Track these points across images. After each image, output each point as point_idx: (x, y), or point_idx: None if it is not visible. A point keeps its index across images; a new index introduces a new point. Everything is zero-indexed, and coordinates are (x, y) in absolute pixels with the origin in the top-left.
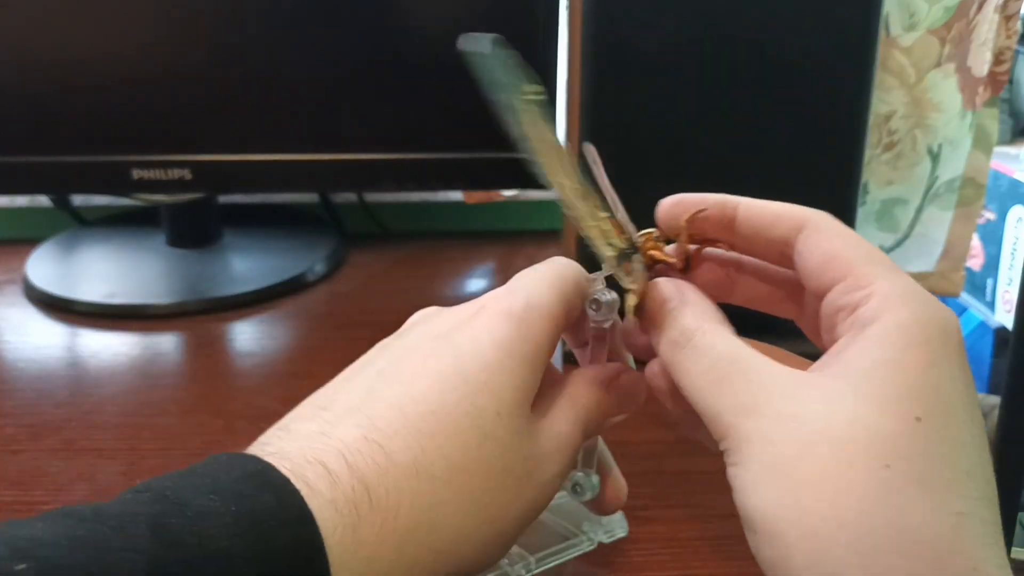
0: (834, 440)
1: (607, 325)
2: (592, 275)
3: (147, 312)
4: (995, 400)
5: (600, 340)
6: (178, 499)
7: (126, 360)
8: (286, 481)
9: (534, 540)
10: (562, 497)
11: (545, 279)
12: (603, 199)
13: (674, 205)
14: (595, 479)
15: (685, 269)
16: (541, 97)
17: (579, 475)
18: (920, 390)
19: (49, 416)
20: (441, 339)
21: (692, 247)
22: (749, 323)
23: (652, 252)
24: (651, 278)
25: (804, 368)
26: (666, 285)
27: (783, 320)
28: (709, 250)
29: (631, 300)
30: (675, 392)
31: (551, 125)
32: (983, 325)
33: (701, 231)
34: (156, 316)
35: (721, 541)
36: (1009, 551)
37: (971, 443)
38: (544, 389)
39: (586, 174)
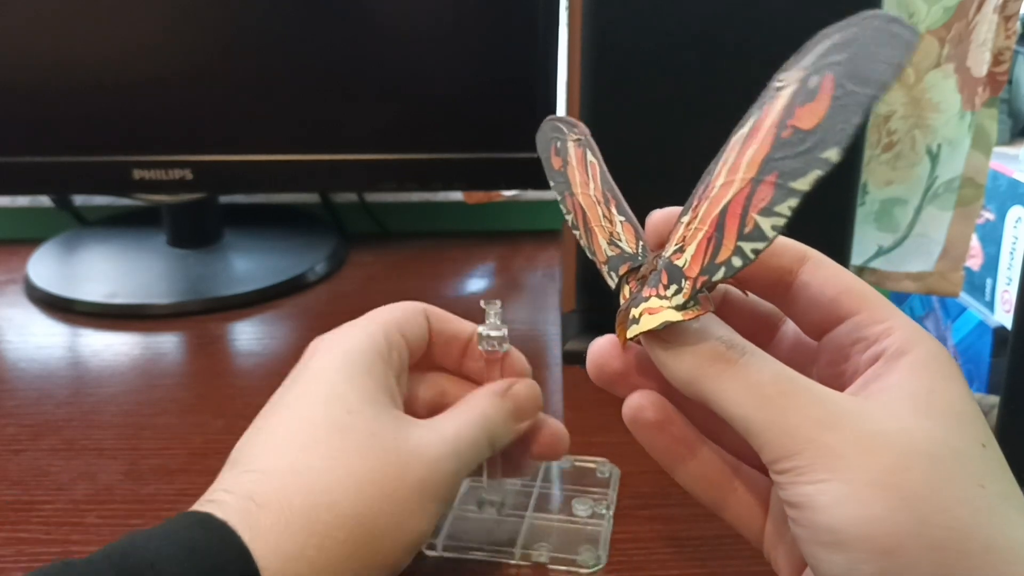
0: (930, 457)
1: (503, 350)
2: (486, 308)
3: (148, 312)
4: (994, 400)
5: (493, 363)
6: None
7: (127, 360)
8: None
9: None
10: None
11: (358, 325)
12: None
13: (666, 219)
14: (497, 497)
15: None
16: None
17: (483, 494)
18: (973, 418)
19: (50, 415)
20: (289, 383)
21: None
22: None
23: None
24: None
25: None
26: None
27: None
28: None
29: (664, 317)
30: (666, 423)
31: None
32: (982, 325)
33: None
34: (157, 316)
35: (721, 541)
36: None
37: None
38: (451, 404)
39: (607, 185)
